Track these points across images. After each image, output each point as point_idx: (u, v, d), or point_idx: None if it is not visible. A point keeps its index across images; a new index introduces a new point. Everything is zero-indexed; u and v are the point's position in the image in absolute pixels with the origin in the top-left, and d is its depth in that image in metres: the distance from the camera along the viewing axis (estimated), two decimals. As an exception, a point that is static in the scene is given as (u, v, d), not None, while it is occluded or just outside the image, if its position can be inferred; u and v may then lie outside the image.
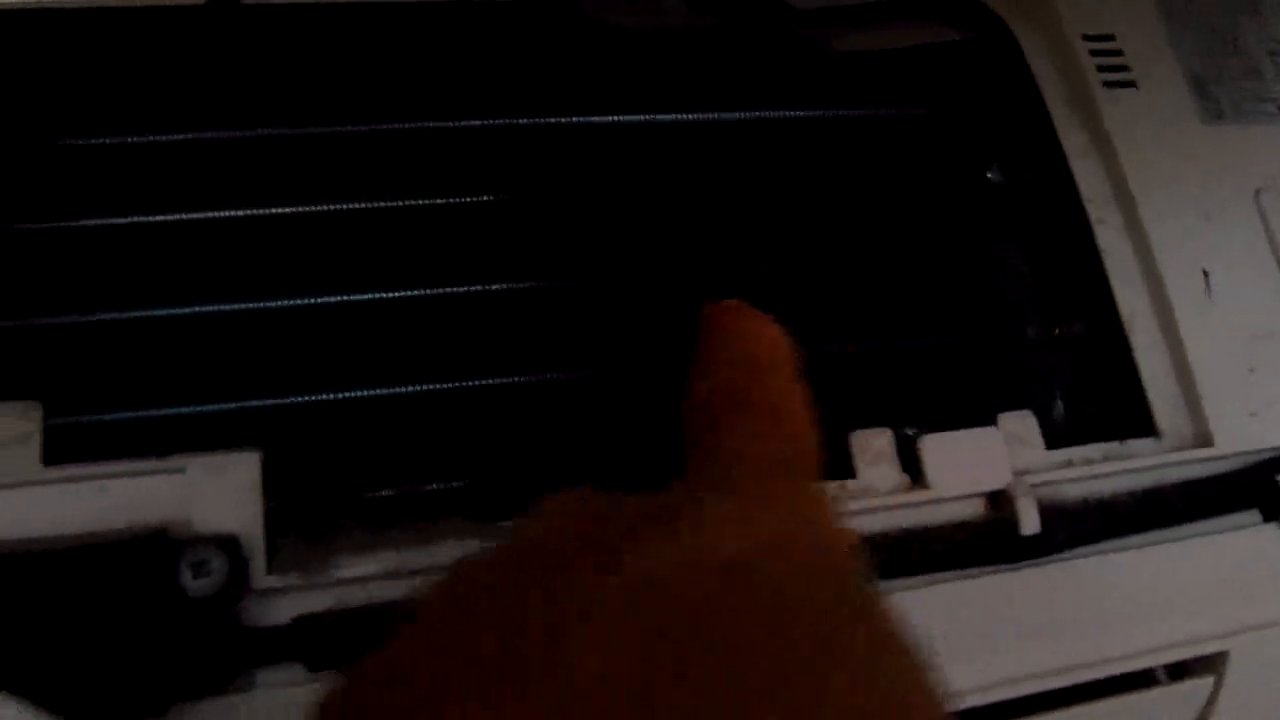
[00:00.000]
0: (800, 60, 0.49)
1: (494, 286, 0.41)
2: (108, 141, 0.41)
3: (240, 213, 0.39)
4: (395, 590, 0.35)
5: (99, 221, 0.40)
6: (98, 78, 0.41)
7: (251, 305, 0.38)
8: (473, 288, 0.40)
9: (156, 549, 0.33)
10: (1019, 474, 0.41)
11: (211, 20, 0.44)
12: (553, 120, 0.45)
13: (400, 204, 0.42)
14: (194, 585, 0.33)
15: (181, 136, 0.42)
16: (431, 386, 0.38)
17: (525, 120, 0.45)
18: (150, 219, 0.40)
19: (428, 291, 0.40)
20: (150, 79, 0.42)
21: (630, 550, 0.23)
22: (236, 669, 0.33)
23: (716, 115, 0.47)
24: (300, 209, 0.41)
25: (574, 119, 0.46)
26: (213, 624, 0.33)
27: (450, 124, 0.44)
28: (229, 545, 0.34)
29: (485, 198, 0.43)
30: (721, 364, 0.33)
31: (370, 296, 0.39)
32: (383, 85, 0.44)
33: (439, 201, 0.42)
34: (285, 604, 0.34)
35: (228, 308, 0.38)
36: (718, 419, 0.31)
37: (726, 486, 0.27)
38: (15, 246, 0.39)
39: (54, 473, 0.35)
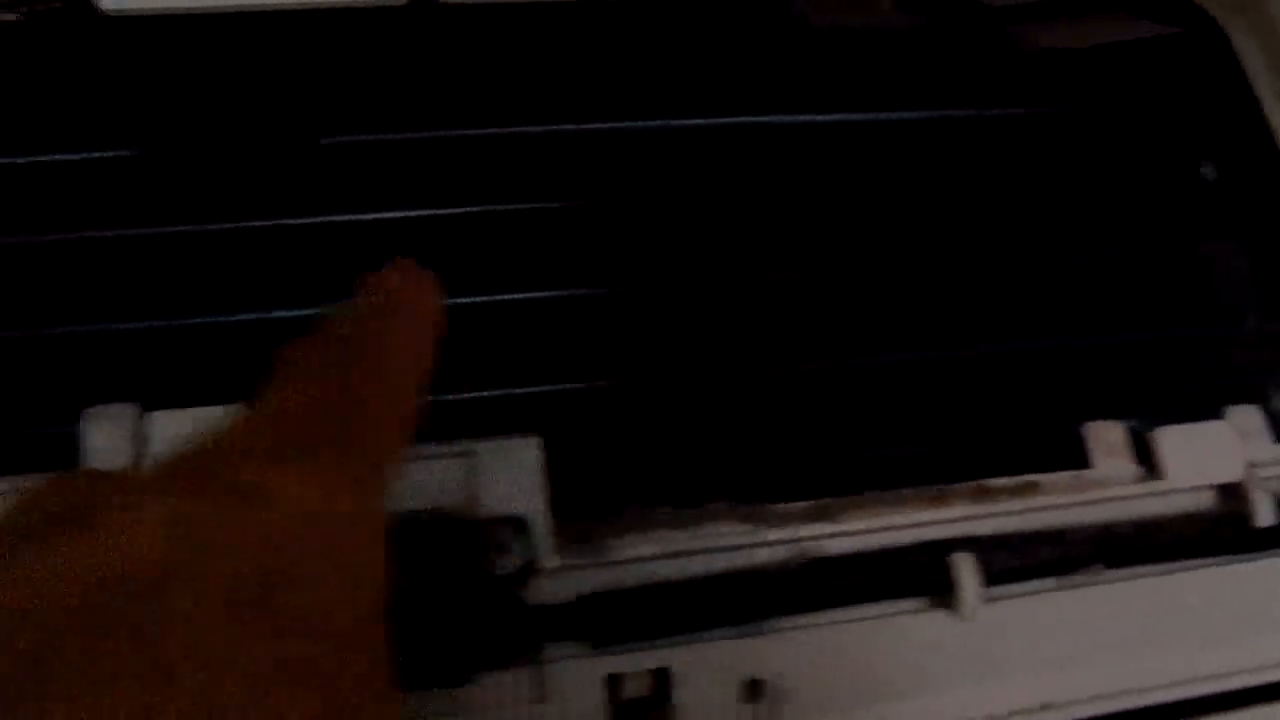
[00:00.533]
0: (1009, 58, 0.50)
1: (765, 277, 0.43)
2: (363, 139, 0.43)
3: (506, 207, 0.41)
4: (669, 570, 0.37)
5: (353, 217, 0.42)
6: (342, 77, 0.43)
7: (530, 295, 0.40)
8: (747, 278, 0.42)
9: (459, 529, 0.35)
10: (1250, 467, 0.42)
11: (411, 21, 0.46)
12: (765, 120, 0.47)
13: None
14: (501, 562, 0.35)
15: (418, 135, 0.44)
16: (700, 375, 0.40)
17: (736, 120, 0.46)
18: (413, 213, 0.42)
19: (695, 283, 0.41)
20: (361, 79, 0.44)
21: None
22: (529, 643, 0.35)
23: (925, 113, 0.48)
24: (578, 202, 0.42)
25: (786, 118, 0.47)
26: (510, 600, 0.35)
27: (665, 123, 0.45)
28: (521, 526, 0.36)
29: (710, 193, 0.45)
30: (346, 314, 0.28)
31: (641, 288, 0.41)
32: (591, 84, 0.46)
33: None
34: (569, 583, 0.36)
35: (510, 297, 0.40)
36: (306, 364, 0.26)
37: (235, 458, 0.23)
38: (297, 239, 0.41)
39: (350, 455, 0.37)
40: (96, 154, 0.41)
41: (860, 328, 0.43)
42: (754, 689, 0.37)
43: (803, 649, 0.37)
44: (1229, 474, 0.42)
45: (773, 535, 0.38)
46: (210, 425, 0.23)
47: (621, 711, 0.36)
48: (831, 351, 0.42)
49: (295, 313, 0.39)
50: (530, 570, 0.35)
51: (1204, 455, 0.42)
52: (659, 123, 0.46)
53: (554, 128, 0.44)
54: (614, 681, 0.36)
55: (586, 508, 0.37)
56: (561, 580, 0.36)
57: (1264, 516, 0.41)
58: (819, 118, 0.47)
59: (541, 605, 0.36)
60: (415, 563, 0.34)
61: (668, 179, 0.45)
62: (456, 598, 0.34)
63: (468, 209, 0.42)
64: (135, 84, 0.42)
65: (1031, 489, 0.41)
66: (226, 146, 0.42)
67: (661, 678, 0.36)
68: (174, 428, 0.36)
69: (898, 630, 0.38)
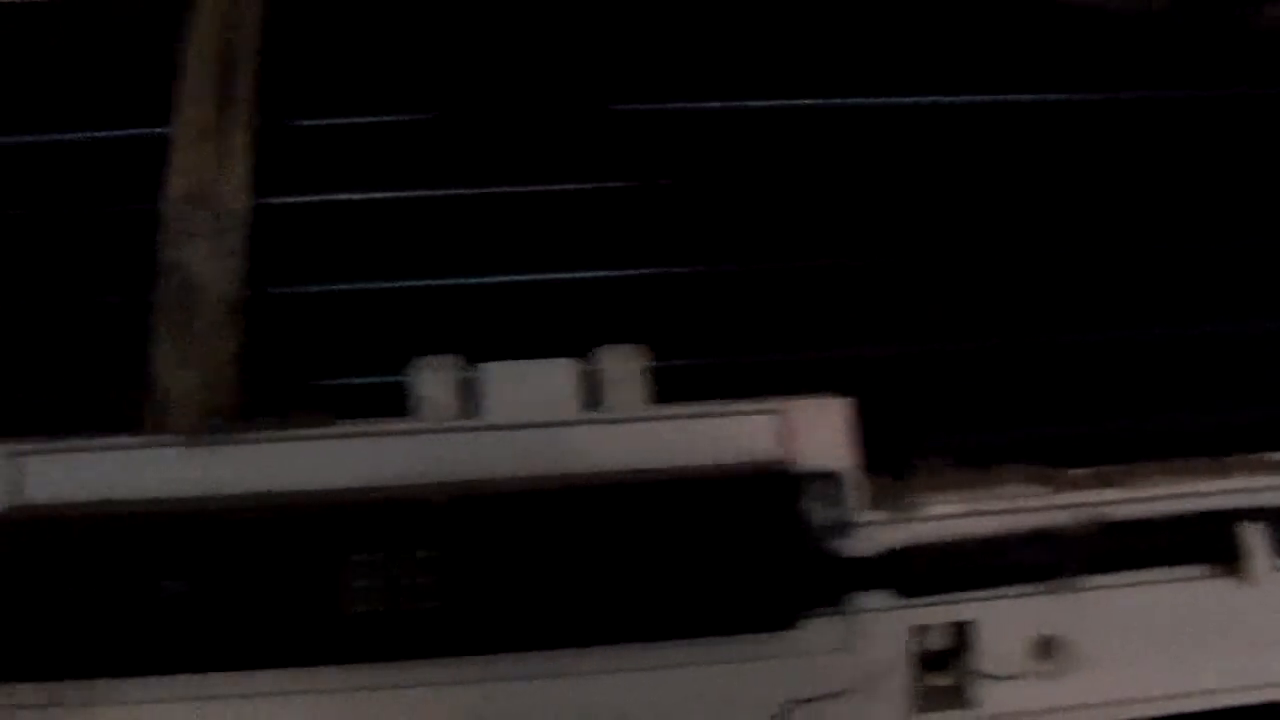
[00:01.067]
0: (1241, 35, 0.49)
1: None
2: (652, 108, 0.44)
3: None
4: (971, 527, 0.38)
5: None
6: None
7: (839, 262, 0.41)
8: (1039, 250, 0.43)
9: (782, 482, 0.37)
10: None
11: None
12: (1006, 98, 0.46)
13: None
14: (818, 515, 0.37)
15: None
16: (994, 342, 0.41)
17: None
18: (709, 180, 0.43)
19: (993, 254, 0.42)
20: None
21: None
22: (843, 591, 0.37)
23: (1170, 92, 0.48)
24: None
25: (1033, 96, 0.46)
26: (829, 550, 0.37)
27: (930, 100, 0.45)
28: (837, 481, 0.37)
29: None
30: None
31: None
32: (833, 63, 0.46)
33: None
34: (877, 536, 0.38)
35: (816, 264, 0.41)
36: None
37: None
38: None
39: (663, 410, 0.39)
40: (404, 117, 0.43)
41: (1145, 301, 0.43)
42: (1046, 646, 0.38)
43: (1094, 609, 0.39)
44: None
45: (1064, 499, 0.39)
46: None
47: (923, 661, 0.38)
48: (1118, 323, 0.42)
49: (603, 274, 0.41)
50: (844, 524, 0.37)
51: None
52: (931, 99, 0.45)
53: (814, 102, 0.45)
54: (917, 633, 0.38)
55: (888, 466, 0.39)
56: (870, 534, 0.37)
57: None
58: (1072, 96, 0.46)
59: (851, 557, 0.37)
60: (732, 511, 0.36)
61: (963, 156, 0.45)
62: (780, 546, 0.36)
63: (753, 177, 0.43)
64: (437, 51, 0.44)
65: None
66: (523, 111, 0.43)
67: (962, 631, 0.38)
68: (500, 379, 0.38)
69: (1186, 595, 0.39)
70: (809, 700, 0.37)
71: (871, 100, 0.43)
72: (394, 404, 0.39)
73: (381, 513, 0.35)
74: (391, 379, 0.39)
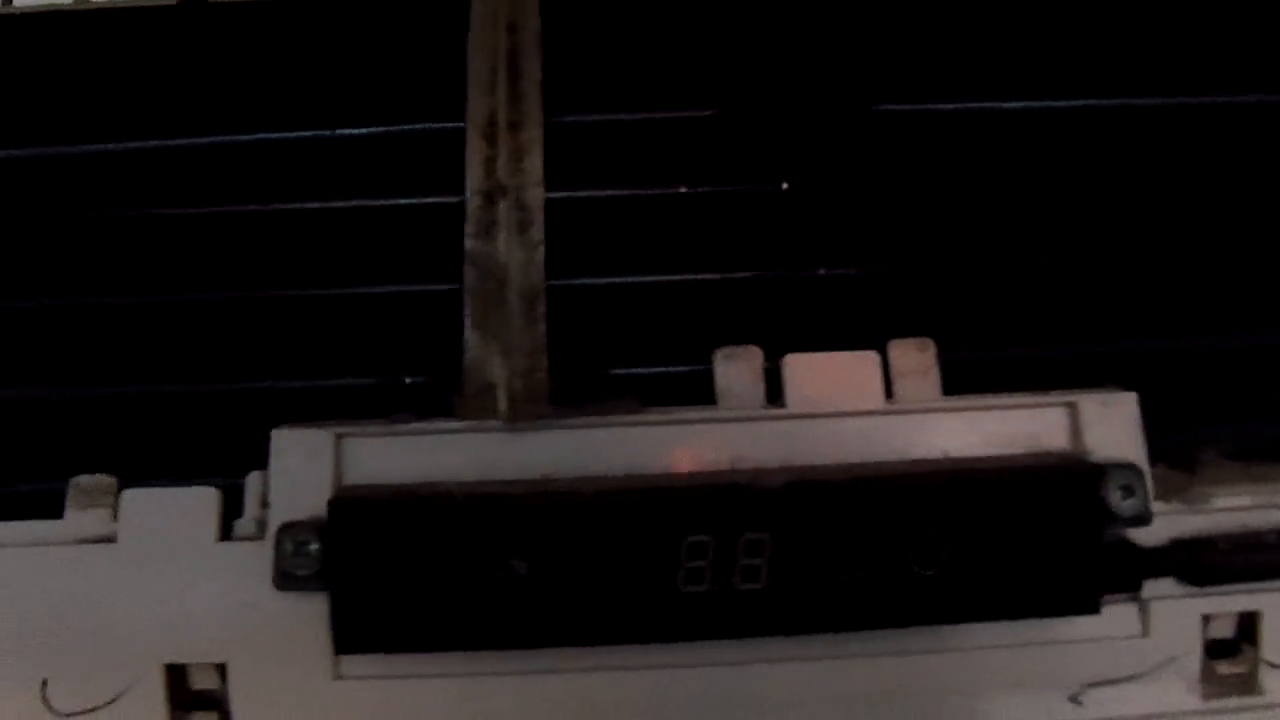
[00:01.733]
0: None
1: None
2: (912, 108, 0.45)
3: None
4: (1259, 520, 0.39)
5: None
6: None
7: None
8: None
9: (1086, 473, 0.38)
10: None
11: None
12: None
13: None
14: (1121, 505, 0.38)
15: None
16: None
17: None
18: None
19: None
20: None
21: None
22: (1139, 580, 0.38)
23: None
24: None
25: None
26: (1126, 539, 0.38)
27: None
28: (1136, 473, 0.38)
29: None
30: None
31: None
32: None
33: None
34: (1167, 527, 0.39)
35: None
36: None
37: None
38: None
39: (955, 402, 0.40)
40: (675, 114, 0.44)
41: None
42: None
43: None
44: None
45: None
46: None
47: (1212, 649, 0.39)
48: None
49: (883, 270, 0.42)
50: (1141, 514, 0.38)
51: None
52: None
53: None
54: (1207, 621, 0.39)
55: (1172, 459, 0.40)
56: (1161, 525, 0.39)
57: None
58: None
59: (1146, 547, 0.39)
60: (1039, 500, 0.37)
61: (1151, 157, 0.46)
62: (1084, 534, 0.37)
63: (1025, 174, 0.44)
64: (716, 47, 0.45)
65: None
66: (789, 110, 0.45)
67: (1250, 620, 0.39)
68: (802, 370, 0.40)
69: None
70: (1105, 683, 0.38)
71: (1141, 101, 0.44)
72: (682, 394, 0.41)
73: (715, 497, 0.37)
74: (684, 370, 0.41)
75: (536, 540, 0.36)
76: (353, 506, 0.37)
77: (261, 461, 0.39)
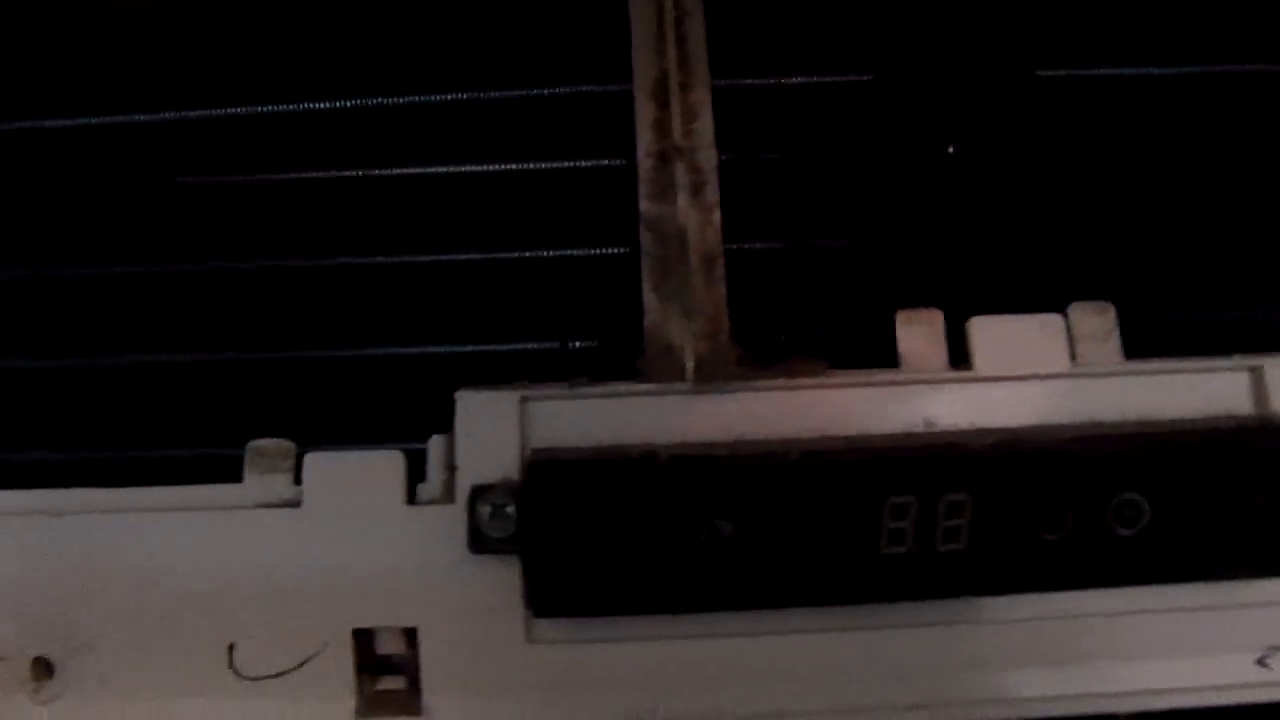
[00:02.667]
0: None
1: None
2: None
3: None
4: None
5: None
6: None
7: None
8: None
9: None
10: None
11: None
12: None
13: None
14: (1317, 470, 0.38)
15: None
16: None
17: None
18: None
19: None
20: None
21: None
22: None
23: None
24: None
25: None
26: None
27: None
28: (1331, 435, 0.39)
29: None
30: None
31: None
32: None
33: None
34: (1353, 490, 0.39)
35: None
36: None
37: None
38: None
39: (1137, 365, 0.40)
40: (839, 78, 0.44)
41: None
42: None
43: None
44: None
45: None
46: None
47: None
48: None
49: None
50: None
51: None
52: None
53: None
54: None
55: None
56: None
57: None
58: None
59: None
60: (1234, 462, 0.37)
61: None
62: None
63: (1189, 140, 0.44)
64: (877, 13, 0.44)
65: None
66: (953, 75, 0.44)
67: None
68: (987, 333, 0.39)
69: None
70: (1292, 646, 0.39)
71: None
72: (859, 357, 0.40)
73: (920, 459, 0.36)
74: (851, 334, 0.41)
75: (742, 502, 0.36)
76: (553, 468, 0.37)
77: (430, 427, 0.39)
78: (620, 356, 0.40)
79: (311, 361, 0.41)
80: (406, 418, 0.40)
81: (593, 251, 0.42)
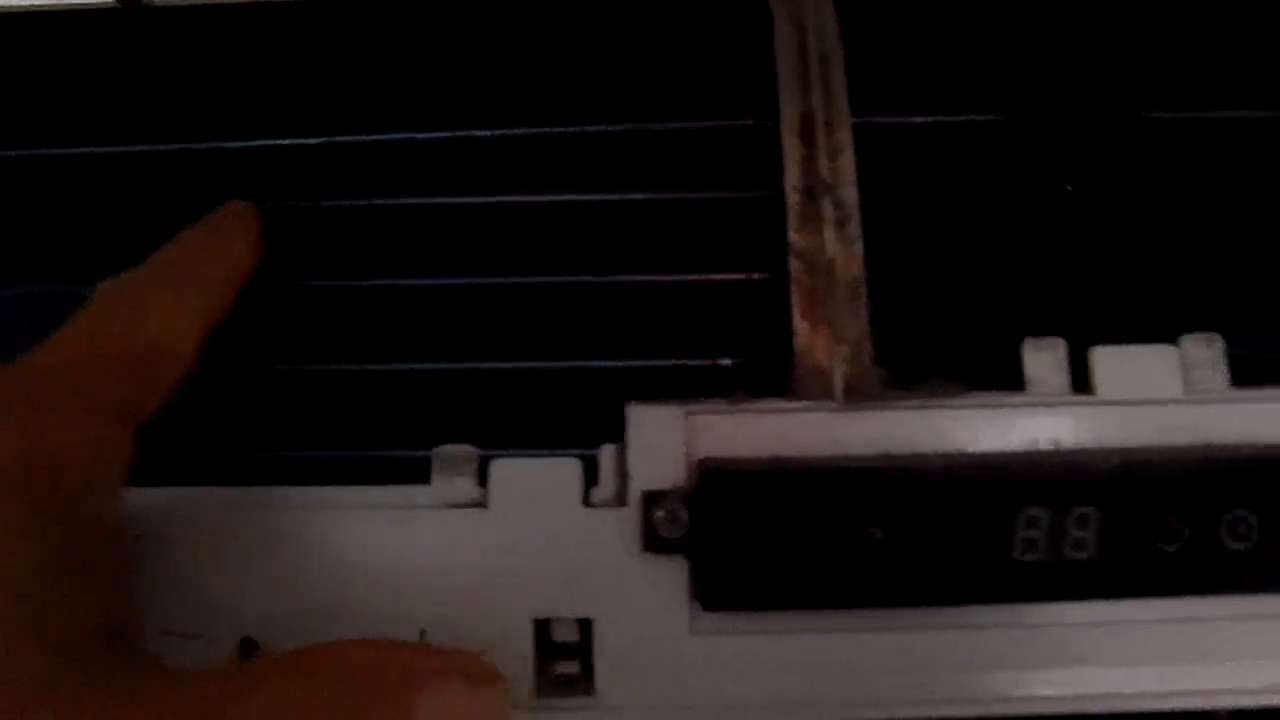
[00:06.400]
0: None
1: None
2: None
3: None
4: None
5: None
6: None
7: None
8: None
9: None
10: None
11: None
12: None
13: None
14: None
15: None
16: None
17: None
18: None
19: None
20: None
21: None
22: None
23: None
24: None
25: None
26: None
27: None
28: None
29: None
30: None
31: None
32: None
33: None
34: None
35: None
36: None
37: None
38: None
39: (1245, 393, 0.43)
40: (968, 117, 0.48)
41: None
42: None
43: None
44: None
45: None
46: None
47: None
48: None
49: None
50: None
51: None
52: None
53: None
54: None
55: None
56: None
57: None
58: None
59: None
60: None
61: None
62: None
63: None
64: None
65: None
66: (1070, 116, 0.48)
67: None
68: (1109, 360, 0.43)
69: None
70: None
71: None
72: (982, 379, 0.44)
73: (1052, 474, 0.40)
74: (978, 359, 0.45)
75: (892, 510, 0.40)
76: (724, 476, 0.41)
77: (593, 435, 0.43)
78: (774, 376, 0.44)
79: (492, 373, 0.45)
80: (570, 426, 0.44)
81: (740, 276, 0.46)
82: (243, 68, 0.50)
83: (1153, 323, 0.45)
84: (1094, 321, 0.45)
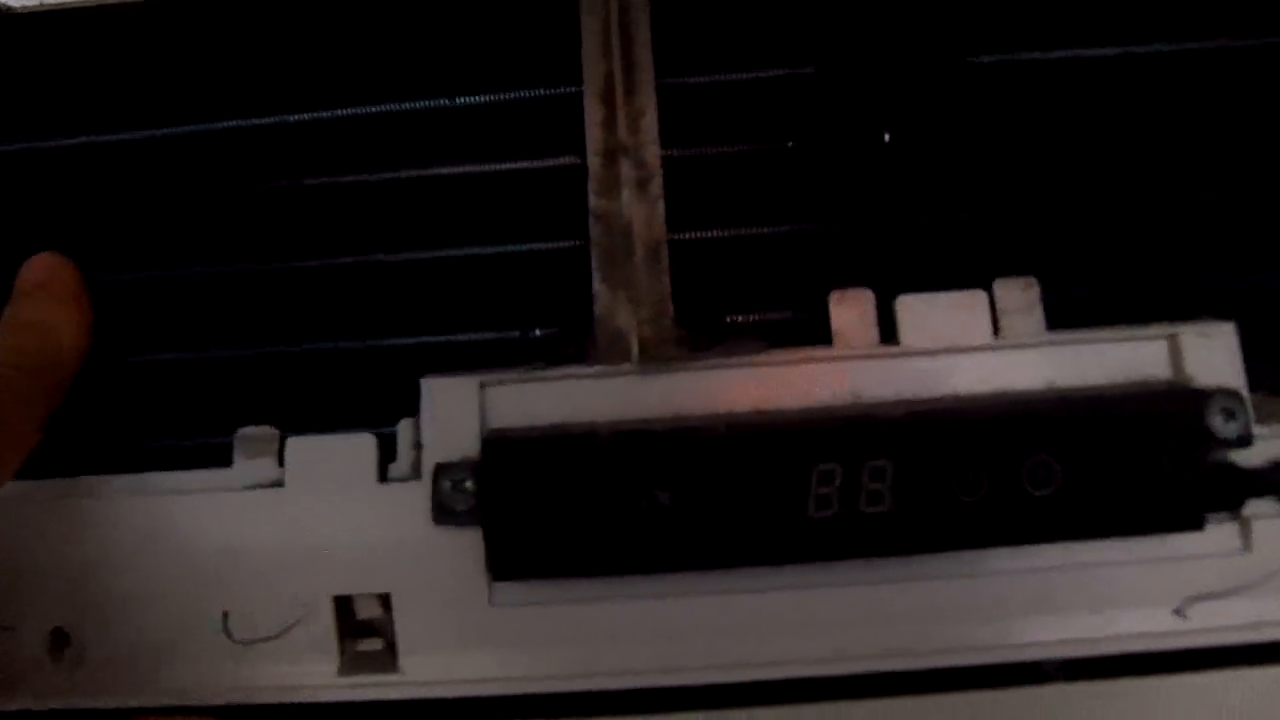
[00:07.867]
0: None
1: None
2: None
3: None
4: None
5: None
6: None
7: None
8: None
9: (1190, 398, 0.40)
10: None
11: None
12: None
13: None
14: (1224, 428, 0.40)
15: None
16: None
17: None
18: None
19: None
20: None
21: None
22: (1241, 499, 0.41)
23: None
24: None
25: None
26: (1229, 461, 0.40)
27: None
28: (1238, 398, 0.41)
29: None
30: None
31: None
32: None
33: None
34: (1265, 448, 0.41)
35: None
36: None
37: None
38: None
39: (1058, 336, 0.42)
40: (777, 72, 0.47)
41: None
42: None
43: None
44: None
45: None
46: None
47: (1314, 562, 0.42)
48: None
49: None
50: (1244, 436, 0.40)
51: None
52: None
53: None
54: (1305, 536, 0.41)
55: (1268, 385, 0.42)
56: (1264, 446, 0.41)
57: None
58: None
59: (1247, 468, 0.41)
60: (1146, 424, 0.40)
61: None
62: (1189, 456, 0.40)
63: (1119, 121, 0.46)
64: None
65: None
66: (887, 65, 0.47)
67: (1347, 534, 0.41)
68: (914, 309, 0.42)
69: None
70: (1208, 597, 0.41)
71: (1238, 43, 0.45)
72: (797, 336, 0.43)
73: (842, 428, 0.39)
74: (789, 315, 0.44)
75: (677, 472, 0.39)
76: (505, 445, 0.40)
77: (401, 412, 0.43)
78: (574, 343, 0.43)
79: (292, 356, 0.45)
80: (382, 404, 0.44)
81: (549, 245, 0.45)
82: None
83: (974, 270, 0.43)
84: (912, 272, 0.44)
